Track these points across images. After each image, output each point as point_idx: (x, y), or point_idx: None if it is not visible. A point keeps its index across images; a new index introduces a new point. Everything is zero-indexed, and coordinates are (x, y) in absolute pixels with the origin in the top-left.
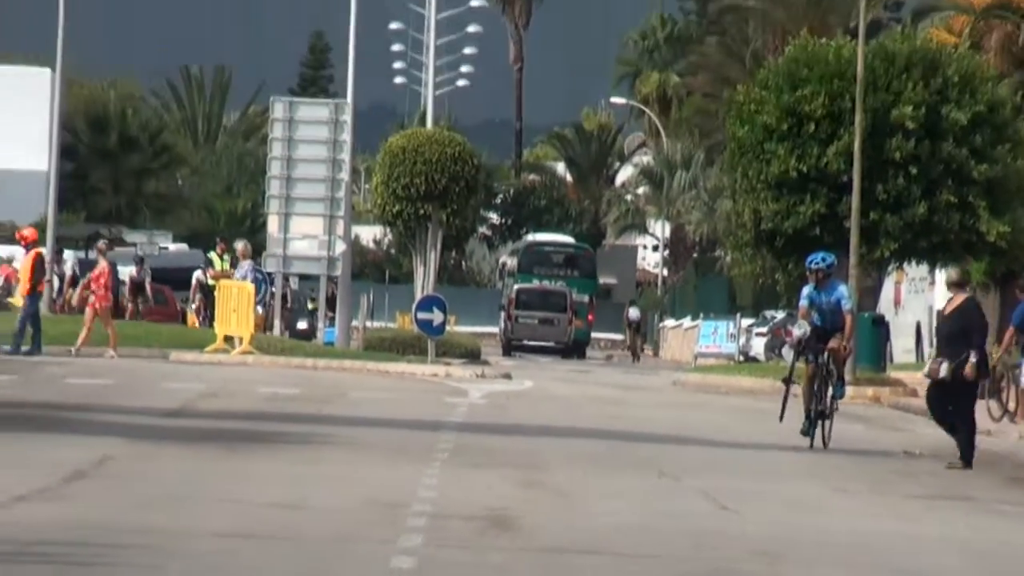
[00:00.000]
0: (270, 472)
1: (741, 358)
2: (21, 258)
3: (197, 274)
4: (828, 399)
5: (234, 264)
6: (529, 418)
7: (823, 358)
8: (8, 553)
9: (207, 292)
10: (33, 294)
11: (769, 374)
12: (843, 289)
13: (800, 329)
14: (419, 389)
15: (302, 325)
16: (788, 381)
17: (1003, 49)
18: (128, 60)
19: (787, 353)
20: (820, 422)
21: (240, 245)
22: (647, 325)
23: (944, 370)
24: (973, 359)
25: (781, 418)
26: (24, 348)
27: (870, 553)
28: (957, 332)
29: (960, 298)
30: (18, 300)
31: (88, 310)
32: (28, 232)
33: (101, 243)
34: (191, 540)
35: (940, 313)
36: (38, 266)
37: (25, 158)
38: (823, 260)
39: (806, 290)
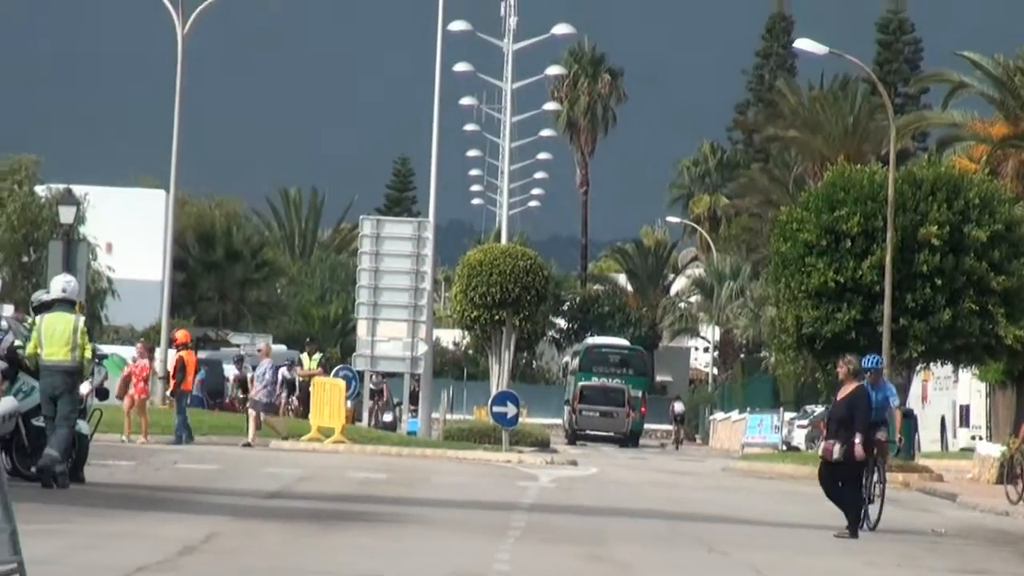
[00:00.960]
0: (361, 547)
1: (784, 447)
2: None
3: (282, 371)
4: (874, 485)
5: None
6: (594, 500)
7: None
8: None
9: (291, 387)
10: (186, 390)
11: (809, 461)
12: (892, 387)
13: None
14: (494, 474)
15: (387, 418)
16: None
17: (1018, 174)
18: (231, 181)
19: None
20: (866, 508)
21: (262, 344)
22: (698, 418)
23: (837, 451)
24: (857, 440)
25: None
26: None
27: None
28: (847, 417)
29: (851, 386)
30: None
31: (127, 400)
32: (180, 335)
33: (141, 344)
34: None
35: (834, 400)
36: (179, 365)
37: (142, 269)
38: (877, 362)
39: None
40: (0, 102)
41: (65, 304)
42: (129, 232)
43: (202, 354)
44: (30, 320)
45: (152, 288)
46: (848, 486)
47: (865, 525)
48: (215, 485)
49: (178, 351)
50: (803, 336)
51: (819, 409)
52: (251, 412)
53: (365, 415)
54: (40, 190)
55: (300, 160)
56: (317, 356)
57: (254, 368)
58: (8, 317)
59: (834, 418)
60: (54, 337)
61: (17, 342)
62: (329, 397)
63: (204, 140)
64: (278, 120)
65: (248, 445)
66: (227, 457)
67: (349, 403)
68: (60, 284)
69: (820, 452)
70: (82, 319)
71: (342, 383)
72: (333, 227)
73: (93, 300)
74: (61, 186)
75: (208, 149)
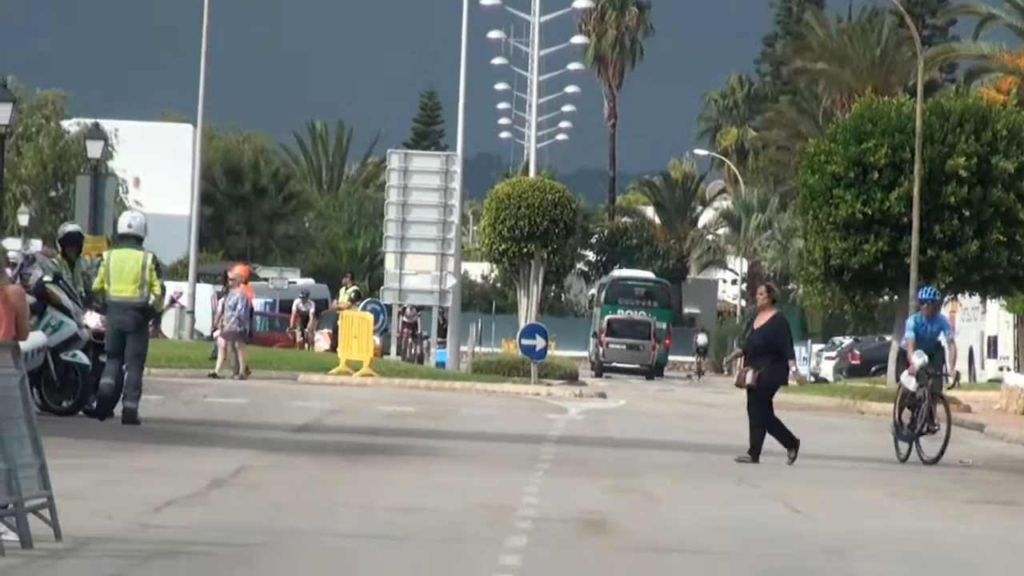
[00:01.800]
0: (390, 480)
1: (812, 379)
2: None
3: (297, 303)
4: (935, 420)
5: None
6: (622, 432)
7: (930, 382)
8: (163, 552)
9: (304, 319)
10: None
11: (837, 393)
12: (946, 320)
13: (920, 358)
14: (523, 407)
15: (417, 351)
16: (905, 407)
17: None
18: (259, 115)
19: (906, 380)
20: (918, 440)
21: (236, 270)
22: (726, 350)
23: (750, 377)
24: (794, 368)
25: (904, 457)
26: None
27: (927, 549)
28: (762, 345)
29: (769, 314)
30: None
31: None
32: (239, 271)
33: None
34: (319, 539)
35: (751, 328)
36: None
37: (170, 203)
38: (933, 294)
39: (912, 321)
40: (28, 37)
41: (132, 240)
42: (157, 167)
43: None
44: (58, 255)
45: (180, 222)
46: (756, 410)
47: (920, 456)
48: (244, 419)
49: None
50: (831, 268)
51: (847, 340)
52: (220, 342)
53: (393, 349)
54: (68, 125)
55: (327, 94)
56: (351, 290)
57: (303, 301)
58: (37, 252)
59: (751, 346)
60: (122, 274)
61: (46, 277)
62: (357, 331)
63: (231, 75)
64: (305, 54)
65: (214, 375)
66: (256, 391)
67: (377, 337)
68: (126, 220)
69: (736, 381)
70: (151, 256)
71: (370, 317)
72: (360, 161)
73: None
74: (89, 121)
75: (236, 84)
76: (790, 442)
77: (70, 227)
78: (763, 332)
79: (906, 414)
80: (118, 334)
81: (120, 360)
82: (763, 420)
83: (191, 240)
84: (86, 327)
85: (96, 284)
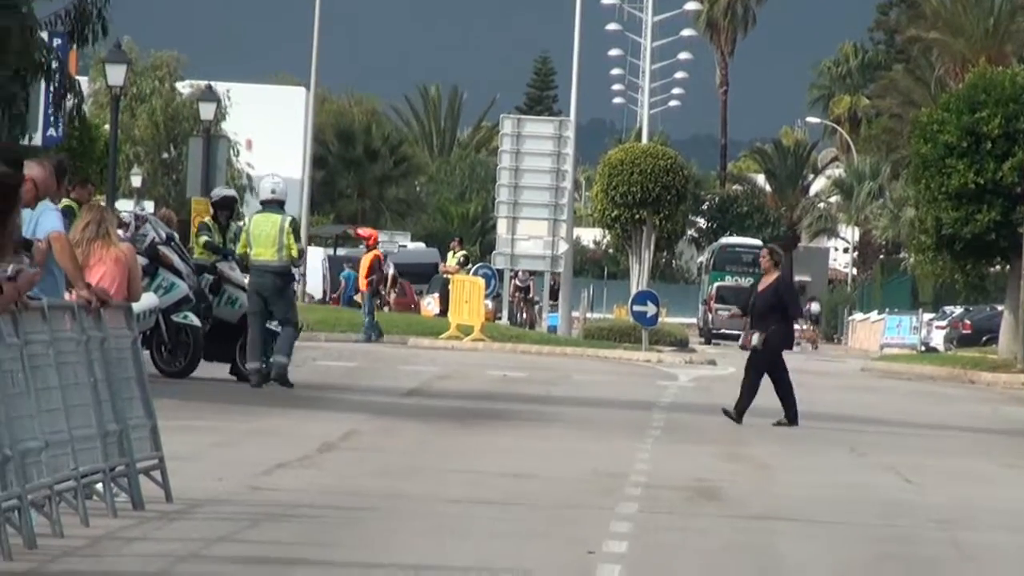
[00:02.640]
0: (501, 445)
1: (922, 348)
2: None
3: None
4: None
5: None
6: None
7: None
8: (273, 515)
9: (386, 281)
10: (371, 290)
11: (947, 363)
12: None
13: None
14: (634, 373)
15: (525, 315)
16: None
17: None
18: (371, 79)
19: None
20: None
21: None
22: (837, 318)
23: (756, 339)
24: (800, 325)
25: None
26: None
27: None
28: (766, 308)
29: (772, 277)
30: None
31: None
32: (366, 232)
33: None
34: (429, 504)
35: (755, 291)
36: (375, 265)
37: (281, 166)
38: None
39: None
40: (142, 0)
41: (274, 205)
42: (269, 129)
43: (341, 251)
44: (208, 219)
45: (291, 185)
46: (753, 371)
47: None
48: (354, 382)
49: (369, 250)
50: (943, 237)
51: (958, 310)
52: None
53: (504, 313)
54: (181, 87)
55: (440, 58)
56: (460, 254)
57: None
58: (149, 214)
59: (755, 308)
60: (261, 238)
61: (158, 239)
62: (468, 295)
63: (344, 37)
64: (417, 18)
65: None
66: (365, 354)
67: (488, 301)
68: (269, 185)
69: (741, 343)
70: (289, 219)
71: (481, 282)
72: (473, 126)
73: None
74: (202, 83)
75: (348, 47)
76: (791, 410)
77: (225, 191)
78: (767, 295)
79: None
80: (259, 297)
81: (261, 321)
82: (757, 385)
83: (302, 203)
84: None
85: (239, 249)
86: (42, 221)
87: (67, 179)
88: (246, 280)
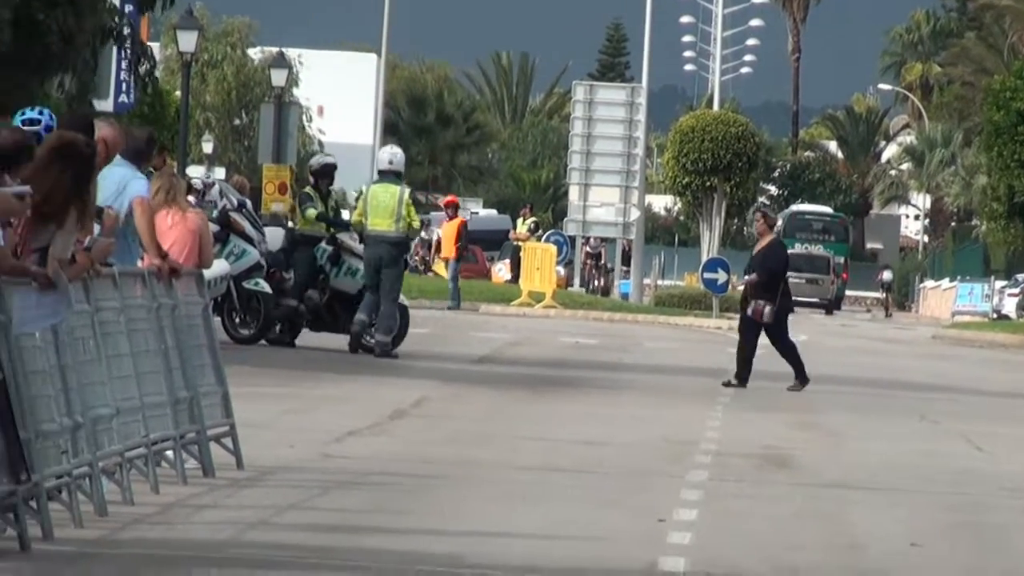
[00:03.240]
0: (573, 412)
1: (994, 316)
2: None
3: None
4: None
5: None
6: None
7: None
8: (344, 482)
9: (428, 246)
10: (458, 257)
11: (1020, 330)
12: None
13: None
14: (704, 340)
15: (602, 282)
16: None
17: None
18: (442, 46)
19: None
20: None
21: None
22: (908, 286)
23: (768, 314)
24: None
25: None
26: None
27: None
28: (761, 271)
29: (766, 240)
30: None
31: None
32: (450, 200)
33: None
34: (501, 471)
35: (752, 256)
36: (463, 232)
37: (353, 133)
38: None
39: None
40: None
41: (391, 175)
42: (341, 96)
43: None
44: (309, 188)
45: (363, 152)
46: (749, 334)
47: None
48: (425, 349)
49: (450, 217)
50: (1015, 205)
51: None
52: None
53: (576, 280)
54: (253, 53)
55: (512, 24)
56: (530, 221)
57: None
58: (220, 180)
59: (751, 272)
60: (380, 208)
61: (230, 205)
62: (540, 262)
63: (415, 4)
64: None
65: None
66: (437, 321)
67: (560, 268)
68: (387, 156)
69: (750, 312)
70: (408, 190)
71: (553, 248)
72: (545, 92)
73: (303, 163)
74: (274, 49)
75: (419, 13)
76: (801, 372)
77: (325, 158)
78: (759, 258)
79: None
80: (375, 268)
81: (377, 294)
82: (753, 350)
83: (374, 170)
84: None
85: (354, 218)
86: (131, 186)
87: (155, 150)
88: None
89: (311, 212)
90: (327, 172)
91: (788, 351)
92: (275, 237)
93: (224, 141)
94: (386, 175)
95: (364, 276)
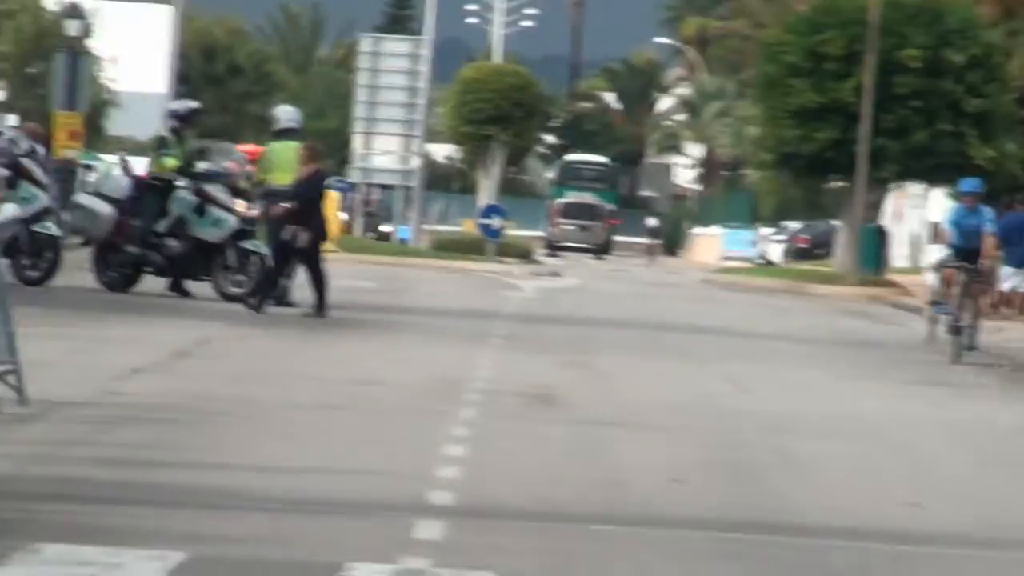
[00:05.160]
0: (349, 353)
1: (761, 261)
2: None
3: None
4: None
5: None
6: (574, 310)
7: (973, 275)
8: (129, 418)
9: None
10: None
11: (785, 276)
12: (990, 213)
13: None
14: (480, 284)
15: (386, 228)
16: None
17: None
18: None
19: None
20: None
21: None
22: (680, 233)
23: (303, 239)
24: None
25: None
26: None
27: (863, 427)
28: (296, 195)
29: (308, 169)
30: None
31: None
32: (249, 149)
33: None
34: (279, 409)
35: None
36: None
37: (146, 82)
38: (976, 186)
39: (952, 214)
40: None
41: (293, 133)
42: (136, 46)
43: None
44: (166, 133)
45: (155, 100)
46: (308, 267)
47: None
48: (203, 291)
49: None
50: (783, 155)
51: (796, 225)
52: None
53: (357, 226)
54: (51, 4)
55: None
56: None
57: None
58: (10, 127)
59: (292, 199)
60: (283, 163)
61: (20, 151)
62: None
63: None
64: None
65: None
66: None
67: (343, 214)
68: (286, 115)
69: (290, 236)
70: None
71: (336, 194)
72: (332, 44)
73: (97, 111)
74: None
75: None
76: (323, 303)
77: (190, 103)
78: (298, 187)
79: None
80: (280, 221)
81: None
82: (318, 274)
83: (163, 118)
84: (237, 214)
85: (258, 175)
86: None
87: None
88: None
89: (171, 162)
90: (189, 118)
91: (318, 280)
92: (120, 185)
93: (19, 89)
94: (287, 133)
95: (271, 230)
